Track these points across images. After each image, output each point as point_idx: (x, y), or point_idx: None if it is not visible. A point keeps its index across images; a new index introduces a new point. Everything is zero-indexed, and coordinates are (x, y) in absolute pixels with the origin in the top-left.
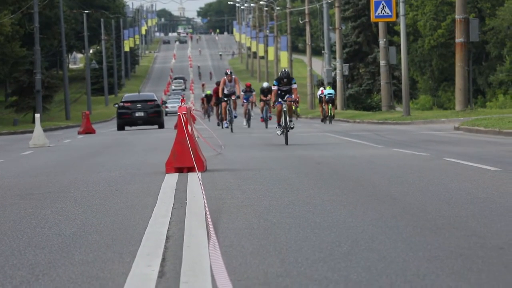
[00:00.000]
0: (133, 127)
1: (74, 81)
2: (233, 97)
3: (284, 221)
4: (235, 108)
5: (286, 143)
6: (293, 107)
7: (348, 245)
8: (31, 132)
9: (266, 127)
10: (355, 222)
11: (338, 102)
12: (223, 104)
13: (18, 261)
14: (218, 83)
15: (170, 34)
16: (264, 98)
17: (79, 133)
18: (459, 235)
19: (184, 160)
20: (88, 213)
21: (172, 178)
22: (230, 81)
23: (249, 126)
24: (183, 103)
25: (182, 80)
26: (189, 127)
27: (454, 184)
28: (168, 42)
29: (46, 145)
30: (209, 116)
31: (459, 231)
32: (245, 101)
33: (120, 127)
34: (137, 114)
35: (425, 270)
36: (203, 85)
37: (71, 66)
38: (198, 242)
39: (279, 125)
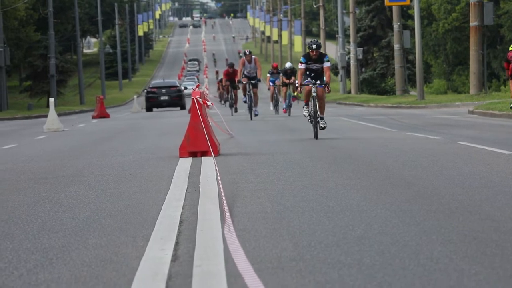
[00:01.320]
0: (159, 109)
1: (88, 65)
2: (253, 82)
3: (298, 205)
4: (256, 103)
5: (316, 136)
6: (325, 90)
7: (361, 229)
8: (45, 116)
9: (289, 115)
10: (369, 206)
11: (352, 86)
12: (242, 85)
13: (32, 245)
14: (230, 65)
15: (184, 18)
16: (287, 81)
17: (93, 117)
18: (473, 218)
19: (198, 144)
20: (102, 197)
21: (185, 162)
22: (249, 61)
23: (277, 112)
24: (197, 88)
25: (196, 62)
26: (203, 111)
27: (468, 168)
28: (185, 26)
29: (60, 130)
30: (225, 101)
31: (473, 215)
32: (271, 84)
33: (148, 109)
34: (162, 98)
35: (438, 253)
36: (217, 72)
37: (85, 51)
38: (212, 225)
39: (306, 104)
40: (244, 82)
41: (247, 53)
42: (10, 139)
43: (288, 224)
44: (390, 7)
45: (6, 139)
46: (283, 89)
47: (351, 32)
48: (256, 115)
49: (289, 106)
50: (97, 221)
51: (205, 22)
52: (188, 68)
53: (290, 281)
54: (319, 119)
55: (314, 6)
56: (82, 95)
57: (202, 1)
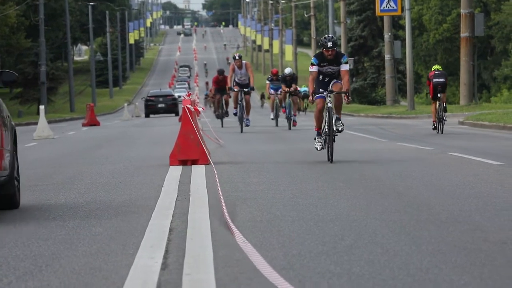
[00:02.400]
0: (156, 115)
1: (79, 73)
2: (246, 90)
3: (288, 214)
4: (248, 111)
5: (330, 159)
6: (344, 100)
7: (351, 238)
8: (36, 124)
9: (290, 128)
10: (359, 215)
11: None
12: (234, 94)
13: (21, 252)
14: (219, 72)
15: (175, 27)
16: (286, 89)
17: (84, 125)
18: (463, 229)
19: (188, 153)
20: (92, 205)
21: (176, 171)
22: (240, 67)
23: (277, 124)
24: (188, 96)
25: (187, 68)
26: (194, 119)
27: (458, 178)
28: (184, 34)
29: (50, 137)
30: (215, 111)
31: (463, 225)
32: (272, 91)
33: (147, 115)
34: (159, 105)
35: (428, 264)
36: (206, 83)
37: (76, 58)
38: (202, 234)
39: (318, 134)
40: (235, 90)
41: (237, 57)
42: None
43: (278, 233)
44: (381, 17)
45: None
46: (280, 97)
47: (342, 42)
48: (247, 125)
49: (288, 119)
50: (87, 229)
51: (196, 31)
52: (179, 74)
53: None
54: (335, 132)
55: (305, 15)
56: (72, 103)
57: (193, 10)
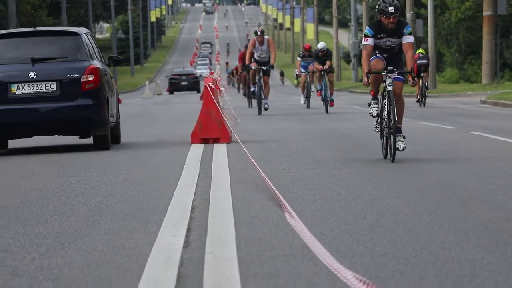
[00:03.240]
0: (180, 92)
1: (101, 50)
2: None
3: (310, 193)
4: (267, 94)
5: (392, 158)
6: (409, 82)
7: (373, 217)
8: None
9: (327, 111)
10: (380, 194)
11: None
12: (251, 71)
13: (44, 230)
14: (247, 47)
15: (196, 4)
16: (319, 68)
17: None
18: (485, 208)
19: (210, 131)
20: (114, 182)
21: (197, 149)
22: (261, 43)
23: (308, 106)
24: (211, 75)
25: (209, 45)
26: (215, 97)
27: (480, 157)
28: (212, 13)
29: None
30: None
31: (485, 205)
32: (302, 70)
33: (171, 92)
34: (182, 83)
35: (450, 243)
36: (227, 63)
37: (98, 36)
38: (223, 212)
39: (374, 98)
40: (253, 68)
41: (259, 33)
42: None
43: (300, 212)
44: None
45: None
46: (316, 74)
47: (364, 20)
48: (266, 108)
49: (325, 100)
50: (109, 206)
51: (217, 8)
52: (201, 50)
53: (302, 269)
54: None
55: None
56: None
57: None
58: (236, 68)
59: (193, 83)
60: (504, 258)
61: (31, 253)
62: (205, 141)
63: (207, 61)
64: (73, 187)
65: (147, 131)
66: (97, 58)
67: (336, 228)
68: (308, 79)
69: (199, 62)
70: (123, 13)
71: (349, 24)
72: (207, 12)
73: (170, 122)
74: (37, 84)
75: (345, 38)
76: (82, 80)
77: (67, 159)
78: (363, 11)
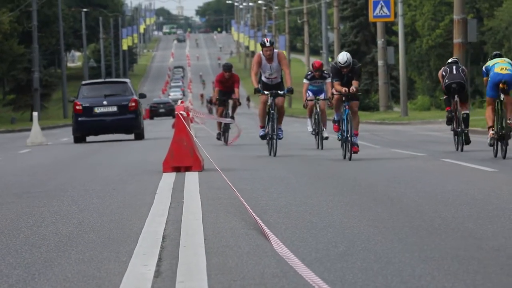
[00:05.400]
0: (158, 117)
1: (73, 79)
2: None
3: (281, 221)
4: (281, 118)
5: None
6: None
7: (344, 245)
8: (29, 130)
9: (349, 158)
10: (352, 222)
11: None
12: (262, 99)
13: (14, 260)
14: (225, 67)
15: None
16: (344, 90)
17: None
18: (456, 236)
19: (181, 159)
20: (85, 212)
21: (169, 177)
22: (270, 59)
23: (321, 146)
24: (182, 103)
25: (181, 69)
26: (187, 126)
27: (451, 184)
28: (184, 41)
29: (43, 144)
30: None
31: (456, 232)
32: (310, 94)
33: (151, 118)
34: (160, 110)
35: (421, 271)
36: (201, 95)
37: (69, 65)
38: (195, 241)
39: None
40: (266, 93)
41: (267, 43)
42: None
43: (272, 240)
44: (374, 23)
45: None
46: (334, 99)
47: (335, 47)
48: (279, 138)
49: (346, 141)
50: (80, 236)
51: (189, 37)
52: (173, 73)
53: None
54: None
55: (299, 21)
56: (66, 109)
57: (186, 16)
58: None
59: (169, 110)
60: (474, 286)
61: (1, 284)
62: (177, 169)
63: (180, 84)
64: (44, 217)
65: (119, 160)
66: (135, 94)
67: (307, 257)
68: (318, 108)
69: (172, 85)
70: (95, 42)
71: (321, 51)
72: (179, 40)
73: (142, 150)
74: (107, 107)
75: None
76: (129, 105)
77: (37, 189)
78: (334, 38)
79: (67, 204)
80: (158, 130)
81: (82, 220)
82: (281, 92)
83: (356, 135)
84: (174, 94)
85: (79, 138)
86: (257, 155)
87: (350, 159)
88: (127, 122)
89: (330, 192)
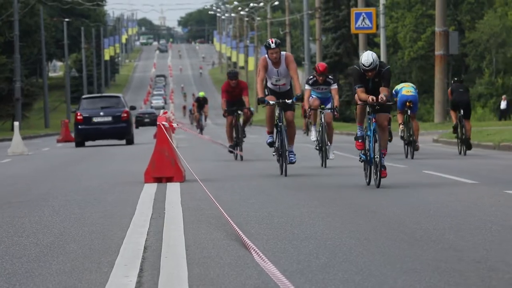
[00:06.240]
0: (144, 127)
1: (54, 89)
2: (288, 101)
3: (263, 232)
4: (292, 138)
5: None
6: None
7: (326, 257)
8: (10, 140)
9: (378, 185)
10: (333, 234)
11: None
12: (268, 111)
13: None
14: (231, 74)
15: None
16: (370, 99)
17: (58, 141)
18: (437, 248)
19: (163, 170)
20: (66, 222)
21: (151, 188)
22: (277, 62)
23: (324, 164)
24: (164, 114)
25: (163, 78)
26: (168, 136)
27: (432, 196)
28: (166, 51)
29: (24, 153)
30: (201, 129)
31: (437, 244)
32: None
33: (137, 127)
34: (145, 120)
35: (402, 283)
36: (184, 107)
37: (51, 74)
38: (176, 252)
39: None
40: (271, 103)
41: (273, 45)
42: None
43: (253, 251)
44: (356, 35)
45: None
46: (357, 112)
47: (317, 59)
48: (291, 162)
49: (374, 165)
50: (61, 246)
51: (171, 47)
52: (155, 82)
53: None
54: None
55: (281, 32)
56: (47, 119)
57: (169, 26)
58: (195, 104)
59: (153, 120)
60: None
61: None
62: (159, 180)
63: (162, 92)
64: (24, 227)
65: (101, 170)
66: (127, 106)
67: (288, 268)
68: (322, 119)
69: (154, 93)
70: (76, 52)
71: (303, 62)
72: (161, 51)
73: (124, 160)
74: (103, 117)
75: (299, 77)
76: (121, 115)
77: (18, 199)
78: (316, 50)
79: (48, 214)
80: (143, 139)
81: (63, 231)
82: (289, 101)
83: (384, 155)
84: (156, 102)
85: (79, 142)
86: (241, 165)
87: (378, 186)
88: (120, 130)
89: (312, 204)
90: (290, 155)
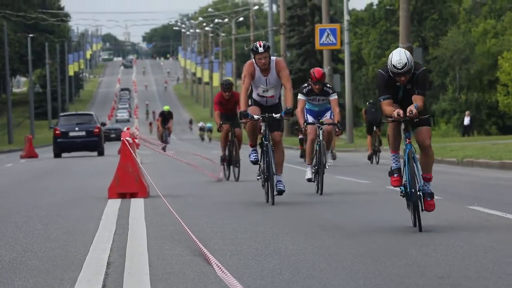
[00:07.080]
0: (110, 142)
1: (18, 105)
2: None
3: (226, 248)
4: (280, 163)
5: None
6: None
7: (289, 272)
8: None
9: (420, 228)
10: (297, 249)
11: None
12: (249, 126)
13: None
14: (225, 85)
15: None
16: (390, 114)
17: (22, 157)
18: (400, 264)
19: (127, 186)
20: (29, 238)
21: (114, 204)
22: (265, 69)
23: (321, 191)
24: (128, 130)
25: (127, 91)
26: (132, 152)
27: (395, 212)
28: (130, 67)
29: None
30: (165, 145)
31: (400, 260)
32: (309, 119)
33: (104, 142)
34: (111, 135)
35: None
36: (150, 124)
37: (15, 90)
38: (140, 268)
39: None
40: (256, 117)
41: (261, 49)
42: None
43: (217, 267)
44: (321, 51)
45: None
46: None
47: None
48: (280, 191)
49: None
50: (24, 262)
51: (136, 63)
52: (120, 95)
53: None
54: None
55: (246, 48)
56: (10, 135)
57: (133, 42)
58: (159, 119)
59: (119, 136)
60: None
61: None
62: (122, 195)
63: (127, 106)
64: None
65: (64, 186)
66: (98, 122)
67: (252, 284)
68: (321, 136)
69: (119, 106)
70: (40, 67)
71: None
72: (126, 66)
73: (87, 176)
74: (78, 132)
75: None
76: (94, 130)
77: None
78: None
79: (11, 230)
80: (110, 152)
81: (26, 247)
82: (277, 116)
83: (429, 180)
84: (121, 115)
85: (57, 154)
86: (205, 181)
87: (419, 226)
88: (93, 143)
89: (276, 220)
90: (278, 185)
